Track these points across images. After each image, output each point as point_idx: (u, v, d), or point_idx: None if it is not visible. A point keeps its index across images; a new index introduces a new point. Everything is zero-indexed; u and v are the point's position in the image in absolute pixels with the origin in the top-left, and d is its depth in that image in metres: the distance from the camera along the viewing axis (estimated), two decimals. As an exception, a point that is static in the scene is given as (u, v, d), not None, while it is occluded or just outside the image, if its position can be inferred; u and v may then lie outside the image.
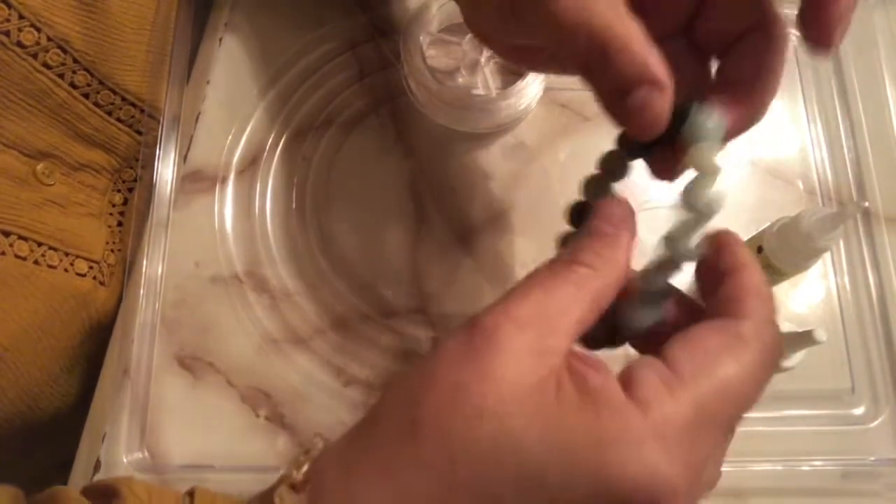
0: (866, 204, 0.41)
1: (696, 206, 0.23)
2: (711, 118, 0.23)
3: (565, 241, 0.28)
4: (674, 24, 0.27)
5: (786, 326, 0.36)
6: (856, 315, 0.39)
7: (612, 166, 0.27)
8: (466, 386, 0.20)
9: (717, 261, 0.24)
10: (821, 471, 0.35)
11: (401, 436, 0.20)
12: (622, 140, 0.26)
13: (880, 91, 0.43)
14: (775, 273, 0.36)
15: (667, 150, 0.25)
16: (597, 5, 0.22)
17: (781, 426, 0.36)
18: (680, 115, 0.23)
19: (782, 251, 0.34)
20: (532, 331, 0.21)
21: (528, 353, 0.20)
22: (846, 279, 0.40)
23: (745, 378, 0.20)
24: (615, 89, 0.23)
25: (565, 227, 0.28)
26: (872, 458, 0.36)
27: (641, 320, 0.24)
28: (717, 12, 0.26)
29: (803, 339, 0.31)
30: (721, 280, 0.23)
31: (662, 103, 0.23)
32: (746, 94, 0.25)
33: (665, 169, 0.26)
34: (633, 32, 0.22)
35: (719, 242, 0.24)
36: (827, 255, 0.40)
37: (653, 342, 0.24)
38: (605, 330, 0.24)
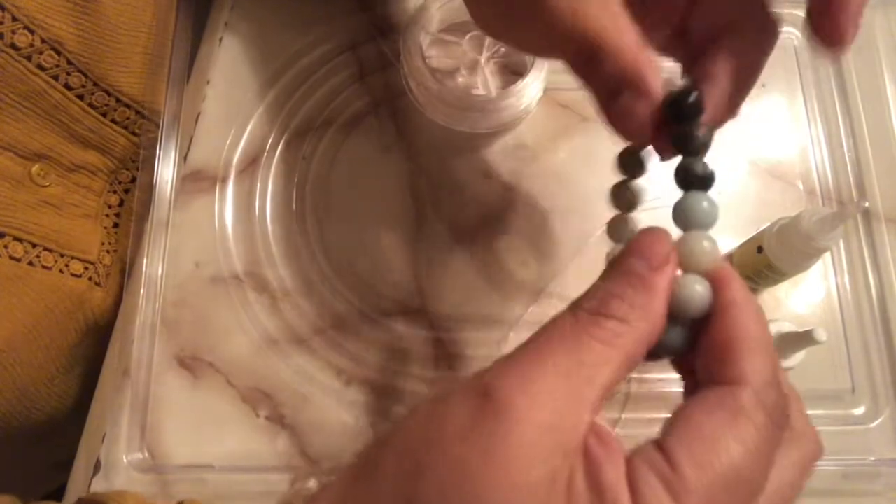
0: (866, 204, 0.41)
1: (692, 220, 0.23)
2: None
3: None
4: (668, 22, 0.27)
5: (786, 326, 0.36)
6: (856, 315, 0.39)
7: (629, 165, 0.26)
8: (470, 467, 0.18)
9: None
10: (821, 471, 0.35)
11: None
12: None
13: (880, 91, 0.43)
14: (775, 273, 0.36)
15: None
16: (591, 7, 0.22)
17: (781, 426, 0.36)
18: (674, 105, 0.23)
19: (782, 251, 0.34)
20: (549, 408, 0.18)
21: (541, 434, 0.18)
22: (846, 279, 0.40)
23: (752, 461, 0.18)
24: (605, 92, 0.23)
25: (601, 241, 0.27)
26: (872, 458, 0.36)
27: (677, 340, 0.21)
28: (709, 7, 0.26)
29: (803, 339, 0.31)
30: (711, 319, 0.21)
31: (646, 110, 0.22)
32: (723, 90, 0.24)
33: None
34: (626, 37, 0.22)
35: (713, 277, 0.22)
36: (827, 255, 0.40)
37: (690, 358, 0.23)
38: None
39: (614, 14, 0.23)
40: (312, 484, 0.22)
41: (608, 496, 0.18)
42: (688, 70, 0.27)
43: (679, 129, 0.23)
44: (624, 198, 0.27)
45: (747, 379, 0.19)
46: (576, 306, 0.20)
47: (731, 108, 0.25)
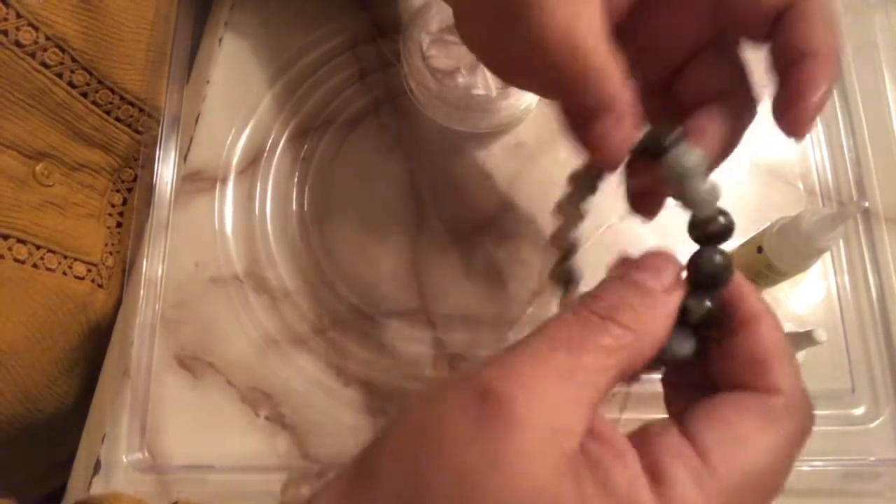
0: (866, 204, 0.41)
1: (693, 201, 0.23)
2: (690, 154, 0.23)
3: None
4: (656, 81, 0.27)
5: (786, 326, 0.36)
6: (856, 315, 0.39)
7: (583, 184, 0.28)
8: (477, 477, 0.17)
9: (729, 307, 0.22)
10: (821, 471, 0.35)
11: None
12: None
13: (880, 91, 0.43)
14: (775, 273, 0.36)
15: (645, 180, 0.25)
16: (582, 29, 0.23)
17: (781, 426, 0.36)
18: (651, 143, 0.24)
19: (782, 251, 0.34)
20: (550, 410, 0.18)
21: (544, 438, 0.18)
22: (846, 279, 0.40)
23: (778, 466, 0.19)
24: (585, 113, 0.23)
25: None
26: (872, 458, 0.36)
27: (681, 348, 0.22)
28: (703, 73, 0.26)
29: (803, 339, 0.31)
30: (735, 331, 0.21)
31: (626, 135, 0.23)
32: (714, 144, 0.25)
33: (645, 204, 0.27)
34: (612, 63, 0.23)
35: (726, 289, 0.22)
36: (827, 255, 0.40)
37: (686, 370, 0.23)
38: None
39: (604, 41, 0.23)
40: (305, 490, 0.21)
41: (623, 498, 0.17)
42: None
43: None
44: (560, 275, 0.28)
45: (780, 388, 0.20)
46: (581, 308, 0.20)
47: (713, 167, 0.25)
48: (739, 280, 0.22)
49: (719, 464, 0.18)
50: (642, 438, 0.19)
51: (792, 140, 0.24)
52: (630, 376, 0.20)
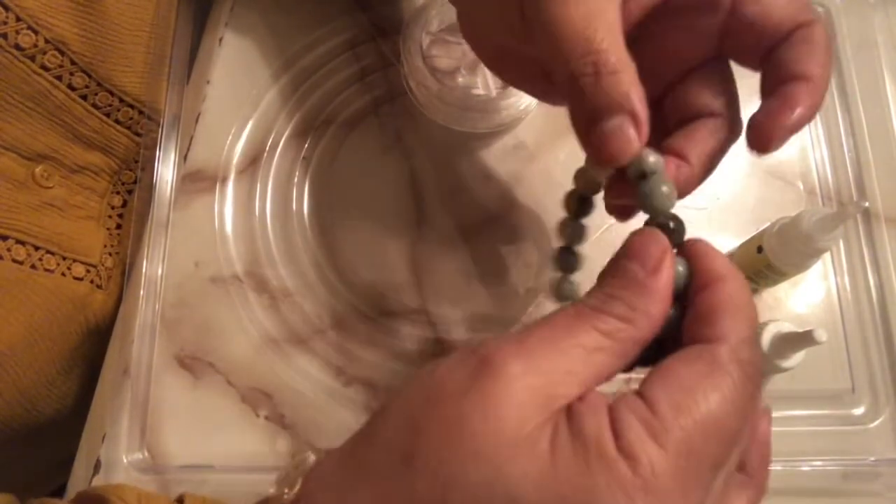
0: (866, 204, 0.41)
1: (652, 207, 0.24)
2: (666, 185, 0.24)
3: (564, 229, 0.29)
4: (650, 95, 0.28)
5: (786, 326, 0.36)
6: (856, 315, 0.39)
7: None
8: (468, 422, 0.19)
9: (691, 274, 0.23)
10: (821, 471, 0.35)
11: (396, 467, 0.20)
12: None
13: (880, 91, 0.43)
14: (775, 273, 0.36)
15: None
16: (601, 26, 0.23)
17: (781, 426, 0.36)
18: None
19: (782, 251, 0.34)
20: (542, 375, 0.20)
21: (532, 395, 0.19)
22: (846, 279, 0.40)
23: (728, 410, 0.20)
24: (594, 110, 0.23)
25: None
26: (872, 458, 0.36)
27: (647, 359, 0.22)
28: (692, 92, 0.27)
29: (803, 339, 0.31)
30: (696, 295, 0.22)
31: (634, 137, 0.23)
32: (691, 169, 0.26)
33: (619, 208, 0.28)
34: (627, 62, 0.23)
35: (690, 254, 0.23)
36: (827, 255, 0.40)
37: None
38: None
39: (621, 41, 0.23)
40: (311, 458, 0.22)
41: (591, 442, 0.19)
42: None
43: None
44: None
45: (725, 337, 0.21)
46: (578, 303, 0.21)
47: (691, 188, 0.26)
48: (705, 245, 0.23)
49: (666, 410, 0.19)
50: (610, 406, 0.20)
51: (791, 144, 0.24)
52: (629, 361, 0.21)
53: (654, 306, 0.21)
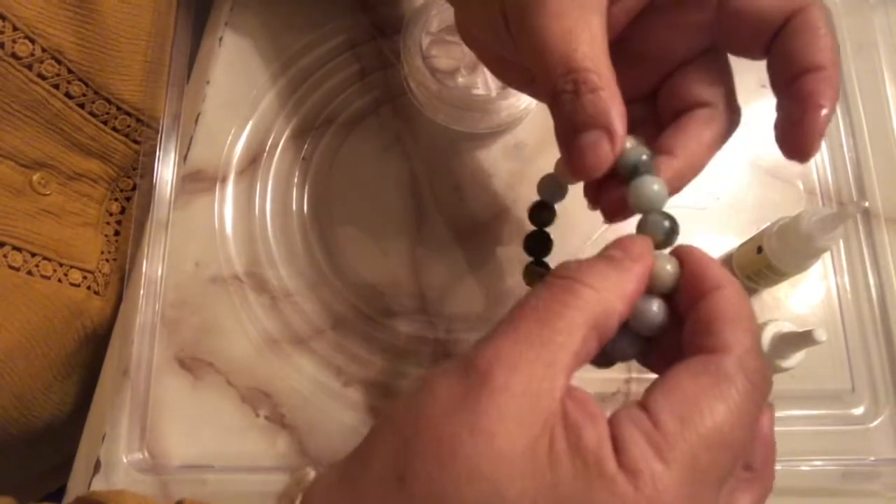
0: (866, 204, 0.41)
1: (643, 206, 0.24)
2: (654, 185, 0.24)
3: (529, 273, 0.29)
4: (642, 89, 0.27)
5: (786, 326, 0.36)
6: (856, 315, 0.39)
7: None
8: (459, 440, 0.19)
9: (686, 283, 0.22)
10: (821, 471, 0.35)
11: (390, 488, 0.19)
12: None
13: (880, 91, 0.43)
14: (775, 273, 0.36)
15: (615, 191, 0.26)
16: (583, 40, 0.23)
17: (781, 426, 0.36)
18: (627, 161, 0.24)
19: (782, 251, 0.34)
20: (525, 373, 0.19)
21: (520, 403, 0.19)
22: (846, 279, 0.40)
23: (734, 422, 0.19)
24: (572, 123, 0.23)
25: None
26: (872, 458, 0.36)
27: (626, 352, 0.23)
28: (685, 84, 0.26)
29: (803, 339, 0.31)
30: (694, 304, 0.22)
31: (609, 152, 0.23)
32: (677, 167, 0.25)
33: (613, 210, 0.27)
34: (607, 76, 0.23)
35: (683, 261, 0.23)
36: (827, 255, 0.40)
37: (656, 355, 0.24)
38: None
39: (602, 53, 0.23)
40: (311, 474, 0.22)
41: (590, 457, 0.18)
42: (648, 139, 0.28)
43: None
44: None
45: (731, 347, 0.20)
46: (549, 277, 0.21)
47: (680, 186, 0.26)
48: (700, 252, 0.23)
49: (670, 424, 0.19)
50: (611, 418, 0.20)
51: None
52: (606, 338, 0.21)
53: (626, 280, 0.21)
